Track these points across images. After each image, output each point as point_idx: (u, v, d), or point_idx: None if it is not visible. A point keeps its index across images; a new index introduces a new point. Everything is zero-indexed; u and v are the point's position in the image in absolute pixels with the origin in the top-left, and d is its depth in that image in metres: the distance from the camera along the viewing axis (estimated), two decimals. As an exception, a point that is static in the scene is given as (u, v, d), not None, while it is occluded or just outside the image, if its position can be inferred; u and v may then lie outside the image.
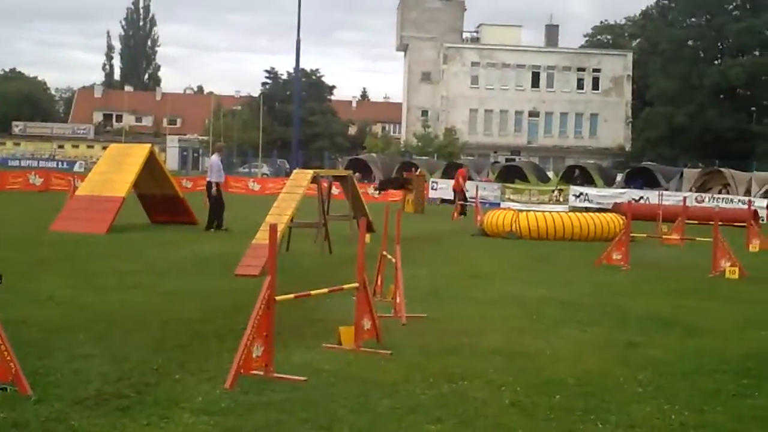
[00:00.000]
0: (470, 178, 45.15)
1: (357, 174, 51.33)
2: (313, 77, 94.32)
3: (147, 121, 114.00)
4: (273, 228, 7.48)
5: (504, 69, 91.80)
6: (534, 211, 26.45)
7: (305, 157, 69.22)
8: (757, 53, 78.53)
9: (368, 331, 8.65)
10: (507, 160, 79.86)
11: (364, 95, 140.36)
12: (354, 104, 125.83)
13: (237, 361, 7.06)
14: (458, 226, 28.35)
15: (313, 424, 6.17)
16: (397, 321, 9.99)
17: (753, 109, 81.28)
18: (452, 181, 45.91)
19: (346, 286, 8.81)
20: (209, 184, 23.01)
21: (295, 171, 19.77)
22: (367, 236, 15.21)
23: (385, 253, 11.23)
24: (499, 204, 42.55)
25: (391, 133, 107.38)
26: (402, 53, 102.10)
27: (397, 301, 10.28)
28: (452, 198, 38.44)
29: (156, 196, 24.08)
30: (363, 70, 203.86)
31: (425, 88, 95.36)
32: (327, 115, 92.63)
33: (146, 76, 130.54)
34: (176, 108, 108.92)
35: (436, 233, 25.20)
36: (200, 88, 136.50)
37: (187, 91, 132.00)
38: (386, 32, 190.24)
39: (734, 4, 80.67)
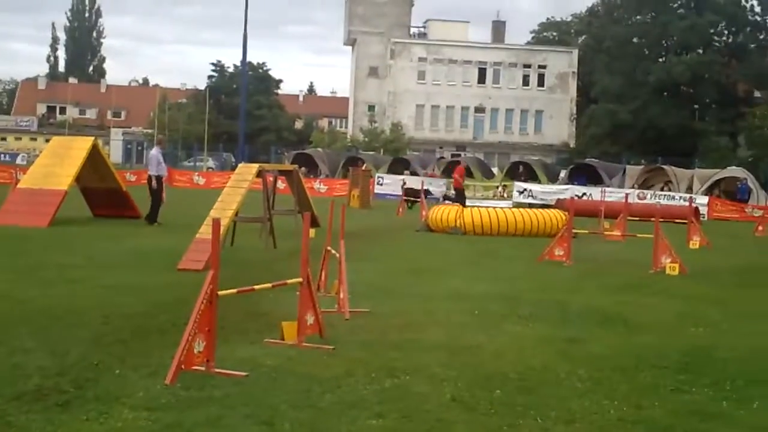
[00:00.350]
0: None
1: (303, 168, 51.33)
2: (260, 71, 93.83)
3: (91, 114, 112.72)
4: (216, 222, 7.45)
5: (451, 65, 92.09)
6: (478, 206, 26.61)
7: (251, 151, 68.75)
8: (700, 51, 79.50)
9: (311, 326, 8.65)
10: (453, 155, 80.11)
11: (311, 89, 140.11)
12: (301, 98, 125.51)
13: (178, 356, 7.02)
14: (403, 222, 28.42)
15: (254, 419, 6.16)
16: (340, 316, 10.00)
17: (696, 106, 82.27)
18: (403, 177, 46.06)
19: (289, 281, 8.79)
20: (149, 177, 22.88)
21: (240, 165, 19.69)
22: (312, 231, 15.18)
23: (329, 248, 11.23)
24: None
25: (338, 128, 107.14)
26: (349, 48, 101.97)
27: (341, 296, 10.28)
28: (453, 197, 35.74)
29: (99, 190, 23.85)
30: (310, 65, 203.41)
31: (372, 83, 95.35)
32: (273, 109, 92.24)
33: (91, 68, 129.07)
34: (121, 100, 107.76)
35: (381, 229, 25.23)
36: (145, 81, 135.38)
37: (132, 84, 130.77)
38: (334, 26, 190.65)
39: (679, 2, 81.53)
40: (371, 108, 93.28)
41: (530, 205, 36.96)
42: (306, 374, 7.41)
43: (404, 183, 40.46)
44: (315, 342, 8.54)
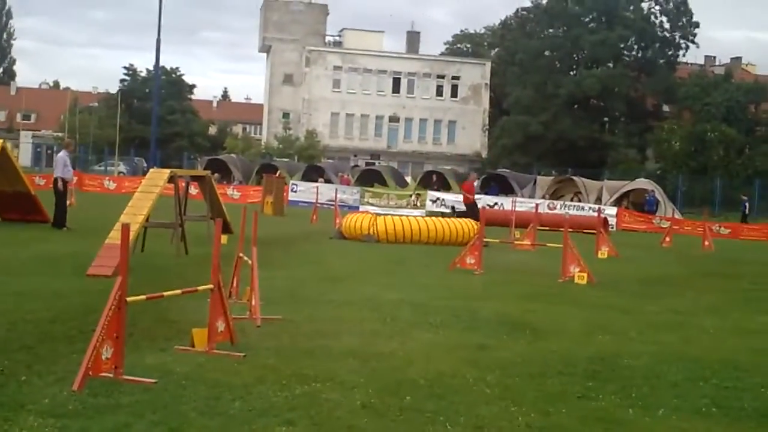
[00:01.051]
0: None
1: (216, 174, 50.88)
2: (174, 75, 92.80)
3: (0, 116, 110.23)
4: (125, 227, 7.35)
5: (366, 74, 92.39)
6: (392, 215, 26.69)
7: (163, 157, 68.07)
8: (610, 65, 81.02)
9: (222, 333, 8.57)
10: (367, 164, 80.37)
11: (225, 95, 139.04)
12: (215, 104, 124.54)
13: (85, 362, 6.90)
14: (316, 229, 28.37)
15: (162, 426, 6.08)
16: (251, 323, 9.93)
17: (606, 119, 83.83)
18: (320, 184, 45.99)
19: (200, 288, 8.71)
20: (55, 180, 22.49)
21: (151, 170, 19.44)
22: (224, 237, 15.10)
23: (241, 254, 11.15)
24: (357, 207, 42.73)
25: (252, 135, 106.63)
26: (264, 55, 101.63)
27: (253, 303, 10.22)
28: (463, 211, 32.39)
29: (6, 193, 23.30)
30: (225, 71, 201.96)
31: (287, 91, 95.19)
32: (187, 115, 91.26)
33: (1, 70, 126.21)
34: (31, 103, 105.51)
35: (295, 236, 25.14)
36: (56, 84, 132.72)
37: (43, 86, 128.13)
38: (249, 33, 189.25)
39: (590, 17, 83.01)
40: (286, 115, 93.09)
41: (443, 214, 37.18)
42: (216, 381, 7.35)
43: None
44: (226, 349, 8.47)
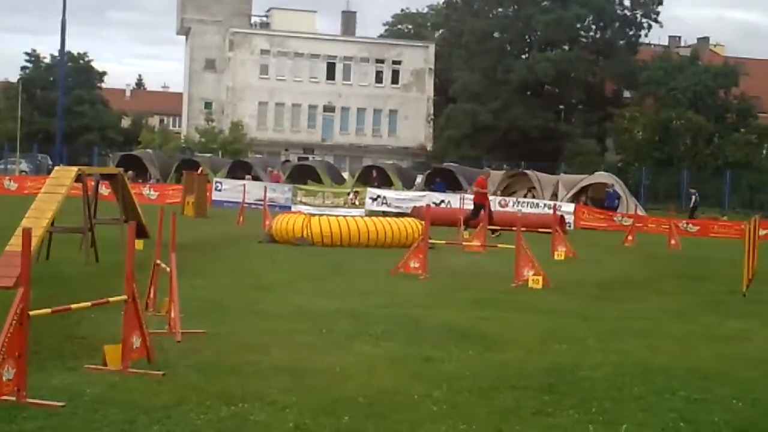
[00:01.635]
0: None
1: (130, 172, 50.47)
2: (81, 62, 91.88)
3: None
4: (27, 233, 7.27)
5: (297, 58, 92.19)
6: (327, 215, 26.67)
7: (70, 153, 67.34)
8: (566, 47, 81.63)
9: (138, 350, 8.52)
10: (299, 158, 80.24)
11: (139, 84, 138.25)
12: (128, 93, 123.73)
13: (-17, 385, 6.82)
14: (243, 232, 28.26)
15: (71, 455, 6.03)
16: (171, 338, 9.87)
17: (561, 107, 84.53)
18: (248, 181, 45.81)
19: (112, 299, 8.65)
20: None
21: (56, 168, 19.24)
22: (140, 243, 14.99)
23: (158, 261, 11.08)
24: (289, 207, 42.63)
25: (171, 127, 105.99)
26: (183, 38, 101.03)
27: (172, 315, 10.15)
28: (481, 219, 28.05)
29: None
30: (139, 56, 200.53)
31: (209, 78, 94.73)
32: (96, 105, 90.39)
33: None
34: None
35: (219, 239, 25.04)
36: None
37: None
38: (166, 14, 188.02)
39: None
40: (208, 105, 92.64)
41: (384, 214, 37.28)
42: (131, 403, 7.30)
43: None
44: (142, 367, 8.42)
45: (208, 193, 41.10)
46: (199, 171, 45.03)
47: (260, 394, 7.74)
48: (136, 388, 7.80)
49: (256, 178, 52.57)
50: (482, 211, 27.42)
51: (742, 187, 65.79)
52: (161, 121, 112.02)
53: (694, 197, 49.70)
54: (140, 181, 54.38)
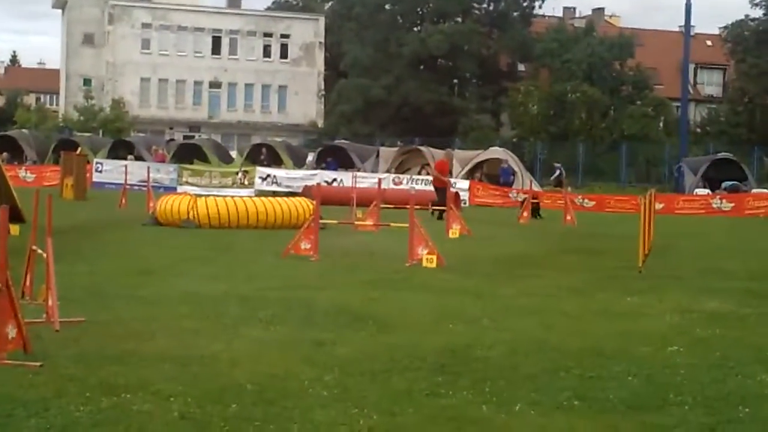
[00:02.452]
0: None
1: (5, 154, 49.54)
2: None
3: None
4: None
5: (180, 32, 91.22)
6: (215, 196, 26.54)
7: (-61, 134, 65.72)
8: (459, 20, 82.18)
9: (13, 341, 8.37)
10: (185, 137, 79.44)
11: (14, 60, 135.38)
12: (2, 71, 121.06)
13: None
14: (126, 215, 27.95)
15: (-59, 453, 5.92)
16: (49, 327, 9.71)
17: (455, 81, 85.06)
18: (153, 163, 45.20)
19: (-16, 288, 8.48)
20: None
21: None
22: (15, 228, 14.71)
23: (34, 247, 10.90)
24: (175, 188, 42.31)
25: (48, 105, 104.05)
26: (60, 11, 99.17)
27: (50, 303, 10.00)
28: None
29: None
30: (12, 31, 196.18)
31: (88, 53, 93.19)
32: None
33: None
34: None
35: (100, 223, 24.72)
36: None
37: None
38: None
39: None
40: (87, 82, 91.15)
41: (274, 193, 37.19)
42: (7, 396, 7.18)
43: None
44: (18, 358, 8.27)
45: (88, 175, 40.59)
46: (78, 151, 44.33)
47: (143, 384, 7.67)
48: (13, 380, 7.66)
49: (138, 158, 52.01)
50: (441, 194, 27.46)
51: (638, 160, 67.08)
52: (38, 99, 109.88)
53: (558, 171, 49.47)
54: (16, 162, 53.30)
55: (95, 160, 49.16)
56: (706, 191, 46.48)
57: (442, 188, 28.88)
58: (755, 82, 72.72)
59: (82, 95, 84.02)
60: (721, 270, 17.90)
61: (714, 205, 41.98)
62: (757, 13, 74.64)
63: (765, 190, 45.93)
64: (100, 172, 47.18)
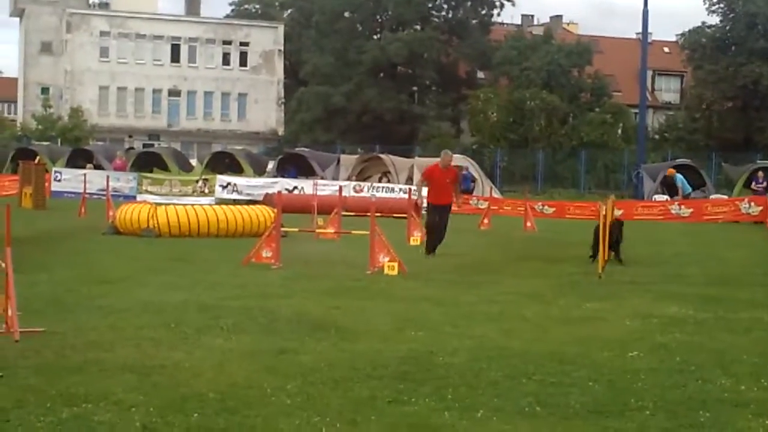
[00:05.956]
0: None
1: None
2: None
3: None
4: None
5: (138, 40, 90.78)
6: (175, 204, 26.43)
7: None
8: (418, 27, 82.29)
9: (-28, 351, 8.32)
10: (144, 145, 78.99)
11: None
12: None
13: None
14: (85, 224, 27.78)
15: None
16: (8, 337, 9.66)
17: (415, 88, 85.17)
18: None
19: (-57, 299, 8.43)
20: None
21: None
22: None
23: (-7, 257, 10.83)
24: (135, 197, 42.09)
25: (5, 114, 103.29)
26: (17, 20, 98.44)
27: (9, 313, 9.94)
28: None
29: None
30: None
31: (46, 61, 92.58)
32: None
33: None
34: None
35: (60, 232, 24.58)
36: None
37: None
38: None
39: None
40: (45, 90, 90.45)
41: (235, 201, 37.10)
42: (-34, 408, 7.14)
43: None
44: (-23, 370, 8.23)
45: (46, 184, 40.34)
46: (36, 160, 43.98)
47: (104, 394, 7.64)
48: (-29, 392, 7.63)
49: (98, 167, 51.66)
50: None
51: (597, 167, 67.40)
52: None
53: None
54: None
55: (54, 169, 48.81)
56: (665, 197, 46.72)
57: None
58: (712, 89, 73.21)
59: (41, 104, 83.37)
60: (679, 276, 18.05)
61: (673, 211, 42.20)
62: (714, 20, 75.18)
63: (723, 196, 46.21)
64: (59, 181, 46.87)
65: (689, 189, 46.43)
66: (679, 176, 46.40)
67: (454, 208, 21.24)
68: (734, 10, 72.84)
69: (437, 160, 21.48)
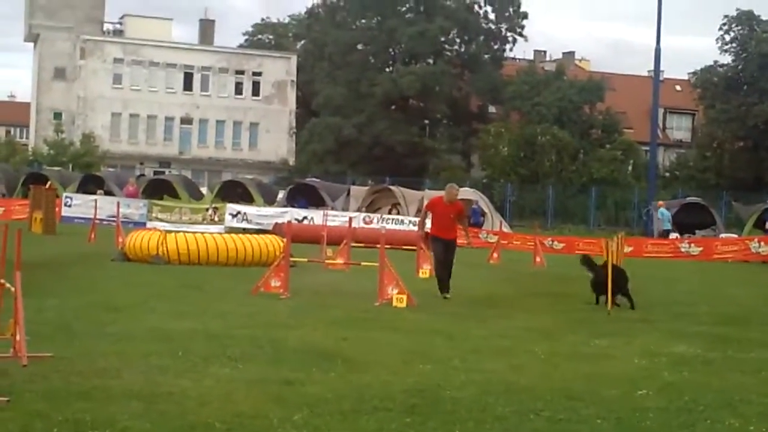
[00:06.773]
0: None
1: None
2: None
3: None
4: None
5: (152, 68, 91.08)
6: (184, 232, 26.44)
7: None
8: (431, 61, 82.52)
9: (-21, 375, 8.31)
10: (155, 172, 79.17)
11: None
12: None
13: None
14: (95, 250, 27.80)
15: None
16: (16, 362, 9.64)
17: (426, 122, 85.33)
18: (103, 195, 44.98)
19: (-48, 322, 8.42)
20: None
21: None
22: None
23: (2, 281, 10.81)
24: (144, 224, 42.12)
25: (18, 139, 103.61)
26: (31, 45, 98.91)
27: (17, 338, 9.92)
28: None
29: None
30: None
31: (59, 87, 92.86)
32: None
33: None
34: None
35: (69, 258, 24.57)
36: None
37: None
38: (12, 19, 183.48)
39: (407, 5, 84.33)
40: (57, 116, 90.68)
41: (245, 230, 37.11)
42: (-28, 432, 7.12)
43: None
44: (-16, 394, 8.22)
45: (57, 209, 40.35)
46: (47, 185, 44.14)
47: (111, 421, 7.62)
48: (-23, 416, 7.61)
49: (108, 193, 51.73)
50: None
51: (607, 204, 67.38)
52: (7, 132, 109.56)
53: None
54: (-17, 197, 52.99)
55: (65, 194, 48.84)
56: (675, 235, 46.67)
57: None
58: (724, 128, 73.33)
59: (53, 129, 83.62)
60: (688, 314, 17.98)
61: (682, 250, 42.16)
62: (727, 59, 75.37)
63: (733, 235, 46.16)
64: (70, 206, 46.88)
65: (668, 226, 46.52)
66: (662, 210, 46.57)
67: (462, 241, 20.80)
68: (747, 50, 73.04)
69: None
